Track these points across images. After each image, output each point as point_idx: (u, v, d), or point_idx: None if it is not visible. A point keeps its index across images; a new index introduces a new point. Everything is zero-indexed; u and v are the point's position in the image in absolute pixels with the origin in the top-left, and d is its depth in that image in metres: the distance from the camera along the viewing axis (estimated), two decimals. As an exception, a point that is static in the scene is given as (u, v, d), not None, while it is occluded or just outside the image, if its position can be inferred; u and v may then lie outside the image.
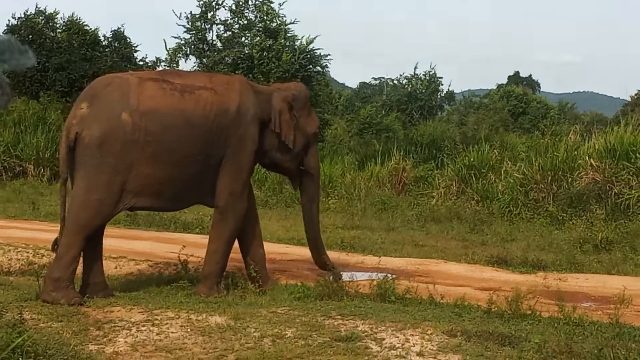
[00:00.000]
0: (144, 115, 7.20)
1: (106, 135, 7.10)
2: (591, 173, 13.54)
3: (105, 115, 7.17)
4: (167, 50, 23.16)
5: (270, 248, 8.55)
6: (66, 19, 27.75)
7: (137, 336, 6.04)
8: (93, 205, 7.15)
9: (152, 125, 7.22)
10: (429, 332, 6.11)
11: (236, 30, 23.29)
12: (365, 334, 6.07)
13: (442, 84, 35.00)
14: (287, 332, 6.06)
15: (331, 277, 8.06)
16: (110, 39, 28.30)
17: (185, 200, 7.90)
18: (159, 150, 7.25)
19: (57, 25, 27.53)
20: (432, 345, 5.85)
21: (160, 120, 7.25)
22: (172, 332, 6.13)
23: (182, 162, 7.39)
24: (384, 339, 5.95)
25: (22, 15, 26.97)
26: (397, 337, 6.00)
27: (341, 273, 8.47)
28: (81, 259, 7.42)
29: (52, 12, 27.52)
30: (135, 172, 7.20)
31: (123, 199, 7.27)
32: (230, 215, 7.77)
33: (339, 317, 6.52)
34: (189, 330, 6.18)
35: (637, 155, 13.27)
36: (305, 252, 9.61)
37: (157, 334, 6.08)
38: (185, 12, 23.28)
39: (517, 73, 60.59)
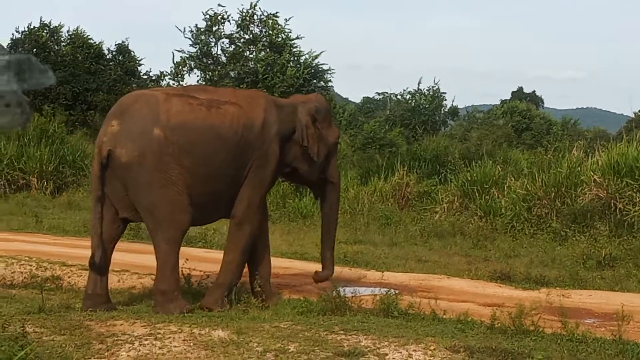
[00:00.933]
0: (175, 130, 7.27)
1: (143, 151, 7.20)
2: (594, 189, 13.48)
3: (137, 132, 7.25)
4: (174, 64, 23.17)
5: (274, 262, 8.56)
6: (71, 33, 27.92)
7: (139, 350, 6.02)
8: (166, 219, 7.32)
9: (183, 140, 7.30)
10: (431, 347, 6.09)
11: (241, 45, 23.29)
12: (368, 349, 6.05)
13: (445, 99, 35.04)
14: (290, 347, 6.04)
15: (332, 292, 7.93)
16: (114, 53, 28.48)
17: (215, 214, 8.07)
18: (194, 164, 7.35)
19: (62, 39, 27.68)
20: (435, 361, 5.84)
21: (191, 134, 7.33)
22: (175, 346, 6.11)
23: (215, 176, 7.49)
24: (386, 355, 5.94)
25: (26, 29, 27.12)
26: (400, 352, 5.98)
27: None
28: (88, 271, 7.51)
29: (56, 25, 27.70)
30: (181, 183, 7.31)
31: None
32: (246, 226, 7.83)
33: (341, 332, 6.50)
34: (191, 344, 6.16)
35: (641, 171, 13.24)
36: (308, 266, 9.61)
37: (160, 348, 6.06)
38: (190, 26, 23.29)
39: (520, 89, 60.66)
